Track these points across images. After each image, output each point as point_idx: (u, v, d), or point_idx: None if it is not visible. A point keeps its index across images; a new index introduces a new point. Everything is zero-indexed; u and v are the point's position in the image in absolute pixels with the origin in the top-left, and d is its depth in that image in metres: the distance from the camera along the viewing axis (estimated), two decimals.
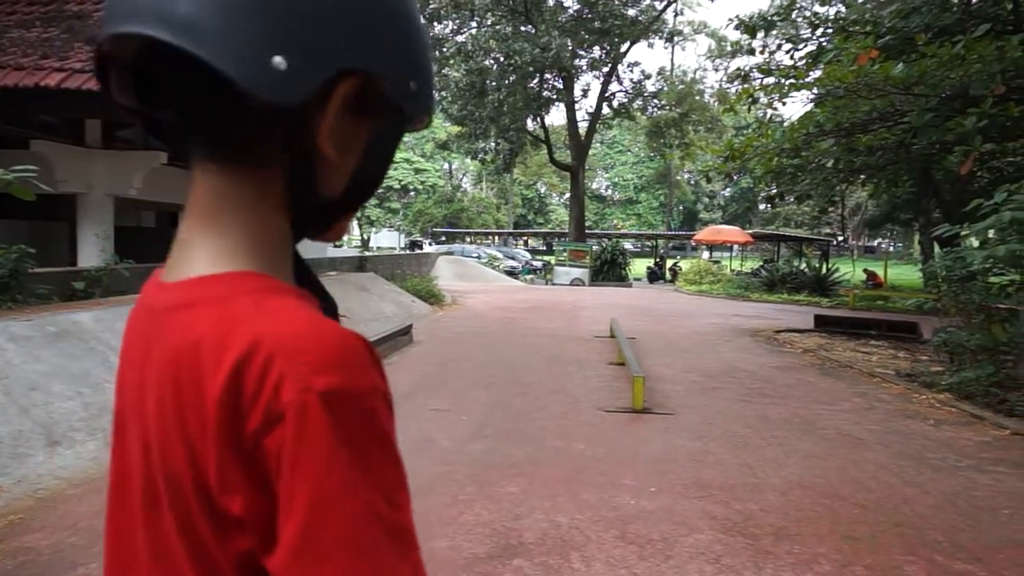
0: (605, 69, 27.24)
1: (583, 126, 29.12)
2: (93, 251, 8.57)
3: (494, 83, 23.98)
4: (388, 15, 0.56)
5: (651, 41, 27.76)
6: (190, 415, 0.50)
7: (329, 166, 0.57)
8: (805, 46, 10.83)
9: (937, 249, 14.26)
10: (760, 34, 10.34)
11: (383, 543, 0.47)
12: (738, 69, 10.94)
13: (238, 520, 0.49)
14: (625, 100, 28.61)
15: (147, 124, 0.61)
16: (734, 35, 10.84)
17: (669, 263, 32.40)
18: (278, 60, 0.50)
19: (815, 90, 9.11)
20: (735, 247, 33.77)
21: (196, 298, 0.53)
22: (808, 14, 11.24)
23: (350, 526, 0.46)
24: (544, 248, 45.64)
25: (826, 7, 12.50)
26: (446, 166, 64.00)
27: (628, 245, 39.45)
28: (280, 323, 0.50)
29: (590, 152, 33.98)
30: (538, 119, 28.00)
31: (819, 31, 10.45)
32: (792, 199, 13.52)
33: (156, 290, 0.58)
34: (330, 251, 22.99)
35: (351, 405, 0.48)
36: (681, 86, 30.92)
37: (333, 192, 0.59)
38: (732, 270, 27.36)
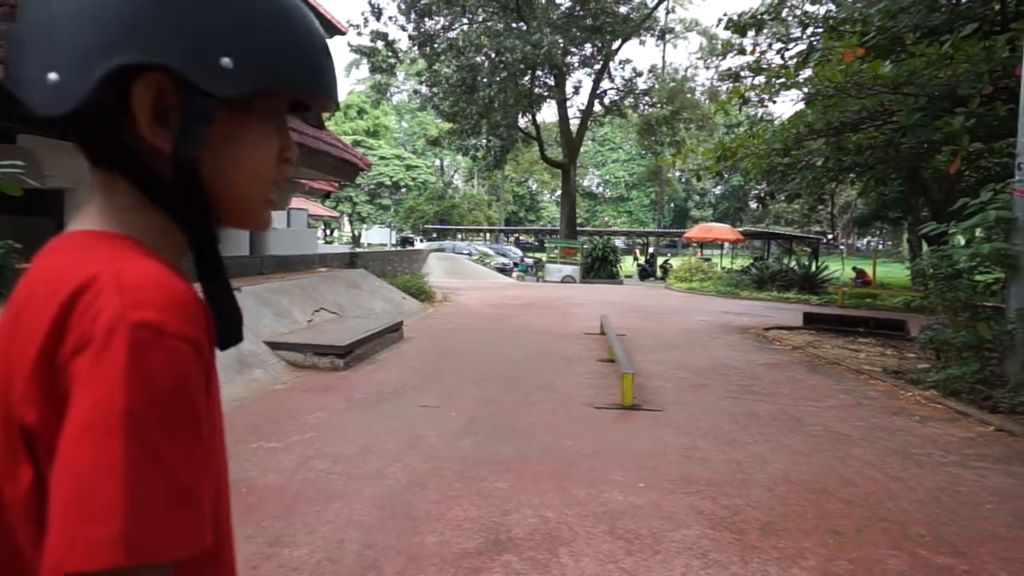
0: (597, 66, 27.25)
1: (575, 123, 29.13)
2: None
3: (485, 80, 23.93)
4: (173, 5, 0.57)
5: (643, 39, 27.82)
6: (20, 335, 0.56)
7: (161, 156, 0.61)
8: (795, 45, 10.90)
9: (925, 247, 14.36)
10: (751, 33, 10.37)
11: (150, 472, 0.48)
12: (728, 69, 11.00)
13: (28, 432, 0.53)
14: (616, 97, 28.63)
15: None
16: (725, 34, 10.81)
17: (660, 260, 32.52)
18: (51, 76, 0.57)
19: (805, 89, 9.16)
20: (725, 245, 33.93)
21: (62, 245, 0.61)
22: (799, 13, 11.31)
23: (113, 446, 0.48)
24: (535, 245, 45.64)
25: (816, 6, 12.58)
26: (437, 162, 63.92)
27: (619, 242, 39.59)
28: (121, 267, 0.55)
29: (581, 149, 33.95)
30: (529, 116, 27.98)
31: (809, 30, 10.51)
32: (782, 197, 13.62)
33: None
34: (321, 247, 22.92)
35: (155, 340, 0.51)
36: (672, 84, 31.03)
37: (163, 176, 0.62)
38: (722, 268, 27.47)
